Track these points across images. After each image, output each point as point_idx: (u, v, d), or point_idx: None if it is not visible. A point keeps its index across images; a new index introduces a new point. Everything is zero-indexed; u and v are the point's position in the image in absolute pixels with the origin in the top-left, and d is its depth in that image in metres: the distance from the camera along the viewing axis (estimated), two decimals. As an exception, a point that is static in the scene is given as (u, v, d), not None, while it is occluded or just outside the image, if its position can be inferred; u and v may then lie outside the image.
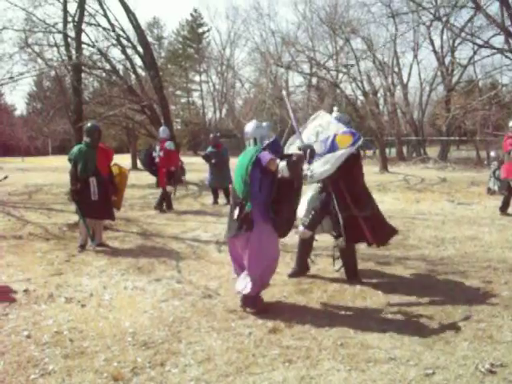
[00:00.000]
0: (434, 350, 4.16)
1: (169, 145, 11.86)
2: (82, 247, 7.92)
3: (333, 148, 5.80)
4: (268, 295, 5.55)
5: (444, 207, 12.47)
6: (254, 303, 5.13)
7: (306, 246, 6.32)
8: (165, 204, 12.02)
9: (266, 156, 4.98)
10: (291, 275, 6.29)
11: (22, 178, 21.41)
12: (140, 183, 18.10)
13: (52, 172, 24.56)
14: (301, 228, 6.18)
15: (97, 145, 8.08)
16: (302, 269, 6.33)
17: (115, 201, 8.48)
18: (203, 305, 5.36)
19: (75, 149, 8.06)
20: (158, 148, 11.94)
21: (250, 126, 5.44)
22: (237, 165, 5.29)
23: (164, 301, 5.50)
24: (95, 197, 7.83)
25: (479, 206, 12.60)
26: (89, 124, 8.43)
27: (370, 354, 4.09)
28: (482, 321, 4.81)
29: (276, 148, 5.29)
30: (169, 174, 11.86)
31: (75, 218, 9.38)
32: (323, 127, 6.01)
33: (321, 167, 5.70)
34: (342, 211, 5.88)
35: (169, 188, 11.89)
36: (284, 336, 4.49)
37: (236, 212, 5.07)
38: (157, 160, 11.87)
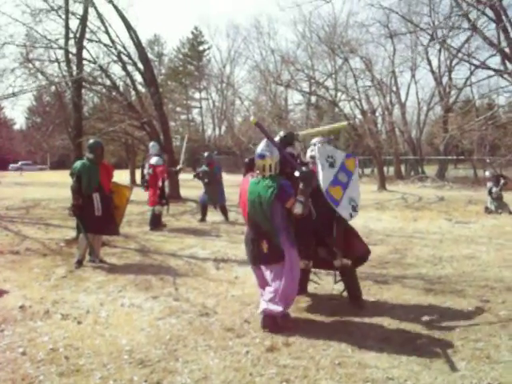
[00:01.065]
0: (431, 370, 4.13)
1: (157, 161, 11.68)
2: (79, 263, 7.89)
3: (349, 174, 5.94)
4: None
5: (442, 226, 12.48)
6: (275, 324, 5.10)
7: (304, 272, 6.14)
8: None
9: (286, 194, 4.99)
10: None
11: (19, 192, 21.41)
12: (138, 199, 18.05)
13: (50, 187, 24.53)
14: None
15: (100, 161, 8.11)
16: (300, 291, 6.21)
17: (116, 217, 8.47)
18: (200, 323, 5.33)
19: (78, 164, 8.06)
20: (147, 165, 11.89)
21: (262, 148, 5.22)
22: (251, 194, 5.17)
23: (161, 318, 5.47)
24: (99, 212, 7.85)
25: (477, 224, 12.61)
26: (91, 140, 8.45)
27: (367, 374, 4.07)
28: (479, 340, 4.79)
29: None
30: (159, 193, 11.73)
31: (73, 233, 9.37)
32: (333, 157, 5.89)
33: (358, 197, 5.91)
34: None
35: (157, 208, 11.79)
36: (281, 355, 4.46)
37: (265, 245, 5.08)
38: (147, 177, 11.83)
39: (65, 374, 4.09)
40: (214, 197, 13.06)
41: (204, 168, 13.34)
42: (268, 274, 5.21)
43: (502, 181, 15.07)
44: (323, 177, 5.61)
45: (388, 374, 4.07)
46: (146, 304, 5.99)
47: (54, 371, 4.14)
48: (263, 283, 5.36)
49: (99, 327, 5.21)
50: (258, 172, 5.25)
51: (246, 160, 5.91)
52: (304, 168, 5.20)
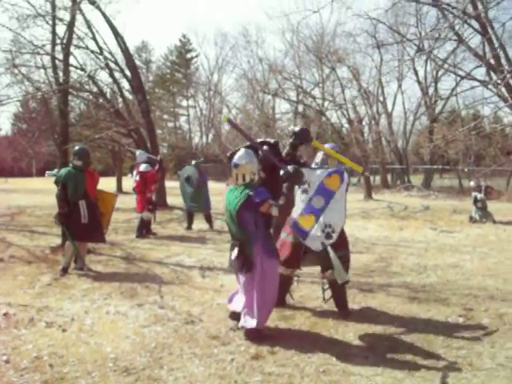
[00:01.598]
0: (414, 377, 4.17)
1: (145, 168, 11.74)
2: (65, 271, 7.85)
3: (328, 194, 5.66)
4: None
5: (427, 235, 12.57)
6: (258, 335, 5.07)
7: (284, 279, 6.03)
8: (145, 229, 11.94)
9: (262, 194, 4.95)
10: None
11: (4, 199, 21.26)
12: (124, 207, 18.01)
13: (35, 194, 24.38)
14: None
15: (87, 168, 8.09)
16: (278, 302, 5.99)
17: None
18: (186, 331, 5.33)
19: (63, 171, 8.03)
20: (134, 172, 11.92)
21: (238, 156, 5.18)
22: (226, 201, 5.20)
23: (146, 326, 5.46)
24: (85, 220, 7.81)
25: (461, 233, 12.72)
26: (78, 147, 8.40)
27: (351, 381, 4.10)
28: (462, 348, 4.84)
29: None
30: (147, 199, 11.79)
31: (58, 240, 9.33)
32: (307, 182, 5.64)
33: (338, 221, 5.68)
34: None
35: (146, 214, 11.79)
36: (266, 363, 4.48)
37: (235, 253, 5.07)
38: (134, 185, 11.85)
39: (49, 382, 4.08)
40: (200, 204, 13.05)
41: (188, 168, 13.37)
42: (241, 283, 5.22)
43: (484, 187, 15.24)
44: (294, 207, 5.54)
45: (372, 381, 4.10)
46: (132, 312, 5.97)
47: (38, 379, 4.13)
48: (238, 292, 5.43)
49: (84, 335, 5.19)
50: (231, 180, 5.29)
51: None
52: (289, 167, 5.10)
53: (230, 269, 5.38)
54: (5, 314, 5.75)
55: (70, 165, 8.14)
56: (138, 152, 12.78)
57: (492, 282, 7.58)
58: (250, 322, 5.06)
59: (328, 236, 5.63)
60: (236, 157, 5.20)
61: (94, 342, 5.00)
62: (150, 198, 11.91)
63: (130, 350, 4.76)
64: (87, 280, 7.52)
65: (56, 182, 7.96)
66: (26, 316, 5.74)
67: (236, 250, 5.07)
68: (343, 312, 5.92)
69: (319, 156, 6.17)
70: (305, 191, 5.65)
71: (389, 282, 7.59)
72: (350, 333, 5.32)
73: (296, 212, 5.57)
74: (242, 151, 5.24)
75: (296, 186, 5.59)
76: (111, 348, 4.81)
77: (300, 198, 5.65)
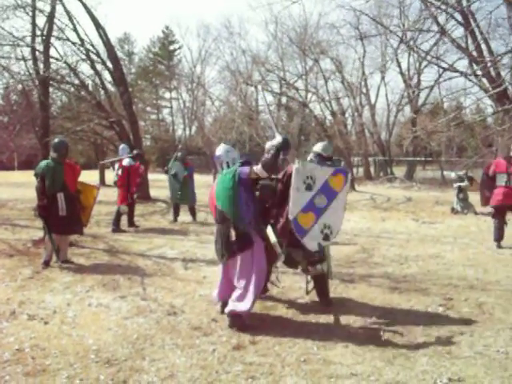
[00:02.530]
0: (394, 366, 4.23)
1: (128, 162, 11.74)
2: (47, 263, 7.83)
3: (332, 194, 5.66)
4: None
5: (409, 226, 12.68)
6: (243, 321, 5.14)
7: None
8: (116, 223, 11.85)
9: (245, 169, 5.16)
10: None
11: (-14, 192, 21.05)
12: (107, 200, 17.94)
13: (17, 187, 24.16)
14: None
15: (64, 160, 8.05)
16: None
17: (82, 217, 8.42)
18: (168, 322, 5.35)
19: (42, 164, 8.00)
20: (117, 166, 11.88)
21: (221, 150, 5.56)
22: (218, 188, 5.36)
23: (128, 318, 5.47)
24: (63, 212, 7.77)
25: (443, 224, 12.84)
26: (56, 139, 8.35)
27: (332, 370, 4.14)
28: (441, 337, 4.91)
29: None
30: (128, 193, 11.76)
31: (40, 234, 9.27)
32: (313, 178, 5.56)
33: (338, 222, 5.75)
34: None
35: (122, 208, 11.69)
36: (248, 353, 4.52)
37: (233, 233, 5.14)
38: (116, 179, 11.81)
39: (31, 374, 4.08)
40: (186, 196, 13.06)
41: (175, 164, 13.34)
42: (237, 267, 5.22)
43: (467, 176, 15.34)
44: (294, 201, 5.40)
45: (352, 370, 4.15)
46: (114, 304, 5.98)
47: (20, 371, 4.13)
48: (228, 283, 5.42)
49: (66, 327, 5.19)
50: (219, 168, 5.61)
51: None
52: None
53: (221, 255, 5.36)
54: (-14, 308, 5.73)
55: (50, 157, 8.09)
56: (120, 146, 12.74)
57: (472, 272, 7.68)
58: (240, 306, 5.10)
59: (326, 237, 5.63)
60: (218, 150, 5.61)
61: (76, 334, 5.00)
62: (134, 192, 11.89)
63: (112, 342, 4.77)
64: (69, 273, 7.50)
65: (35, 175, 7.93)
66: (7, 309, 5.73)
67: (232, 230, 5.14)
68: (325, 302, 5.98)
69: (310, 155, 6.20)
70: (309, 188, 5.52)
71: (370, 272, 7.66)
72: (330, 322, 5.38)
73: (295, 209, 5.44)
74: (221, 146, 5.72)
75: (300, 183, 5.49)
76: (93, 340, 4.82)
77: (302, 194, 5.50)
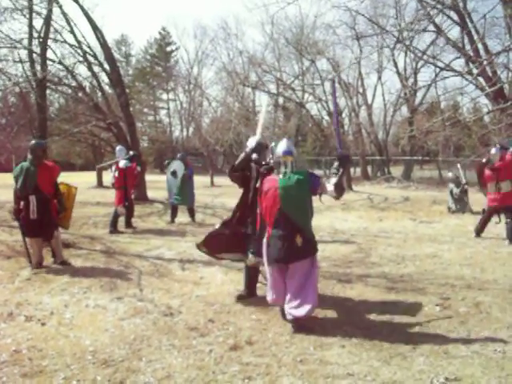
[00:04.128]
0: (391, 366, 4.24)
1: (124, 164, 11.72)
2: (39, 264, 7.83)
3: None
4: (231, 313, 5.62)
5: (406, 225, 12.69)
6: (307, 323, 5.18)
7: (253, 271, 6.25)
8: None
9: (317, 180, 5.26)
10: (239, 298, 6.15)
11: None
12: (105, 201, 17.94)
13: (15, 189, 24.14)
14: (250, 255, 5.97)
15: (39, 162, 7.90)
16: (250, 294, 6.24)
17: (63, 220, 8.36)
18: (165, 323, 5.35)
19: (18, 166, 7.97)
20: (113, 168, 11.89)
21: (287, 145, 5.37)
22: (284, 190, 5.17)
23: (125, 319, 5.47)
24: (34, 215, 7.69)
25: (440, 224, 12.86)
26: (33, 141, 8.23)
27: (328, 370, 4.15)
28: (438, 336, 4.92)
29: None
30: (125, 194, 11.74)
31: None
32: None
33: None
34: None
35: (119, 209, 11.72)
36: (244, 353, 4.52)
37: (299, 239, 5.10)
38: (113, 181, 11.83)
39: (28, 375, 4.08)
40: (185, 197, 13.05)
41: (175, 162, 13.37)
42: (296, 272, 5.18)
43: (464, 186, 15.28)
44: None
45: (348, 370, 4.15)
46: (111, 305, 5.98)
47: (18, 372, 4.13)
48: (280, 285, 5.33)
49: (63, 328, 5.20)
50: (282, 168, 5.31)
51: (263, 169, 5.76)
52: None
53: (285, 259, 5.20)
54: (-17, 309, 5.73)
55: (27, 160, 7.97)
56: (117, 148, 12.74)
57: (469, 271, 7.69)
58: (301, 310, 5.08)
59: None
60: (285, 146, 5.36)
61: (73, 335, 5.00)
62: (131, 193, 11.91)
63: (109, 343, 4.77)
64: (67, 274, 7.49)
65: (14, 177, 7.91)
66: (4, 310, 5.73)
67: (299, 236, 5.11)
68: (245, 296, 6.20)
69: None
70: None
71: (367, 272, 7.67)
72: (327, 323, 5.38)
73: None
74: (286, 141, 5.46)
75: None
76: (90, 341, 4.82)
77: None
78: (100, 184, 27.07)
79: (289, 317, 5.16)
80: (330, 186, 5.15)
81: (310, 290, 5.13)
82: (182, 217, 13.38)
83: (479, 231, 10.63)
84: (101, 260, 8.57)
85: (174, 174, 13.10)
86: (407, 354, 4.48)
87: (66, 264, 8.03)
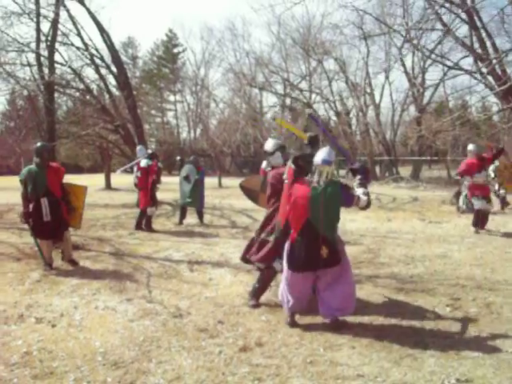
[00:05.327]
0: (401, 367, 4.22)
1: (145, 163, 11.75)
2: (49, 266, 7.87)
3: None
4: (240, 314, 5.62)
5: (415, 226, 12.64)
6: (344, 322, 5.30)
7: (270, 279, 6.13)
8: (144, 223, 11.95)
9: (352, 197, 5.27)
10: (255, 307, 5.96)
11: (-7, 197, 21.12)
12: (113, 203, 18.02)
13: (24, 192, 24.25)
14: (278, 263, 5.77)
15: (46, 164, 7.94)
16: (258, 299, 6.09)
17: (73, 220, 8.37)
18: (174, 324, 5.36)
19: (25, 170, 7.99)
20: (135, 168, 11.93)
21: (328, 154, 5.22)
22: (315, 200, 5.11)
23: (135, 320, 5.48)
24: (47, 218, 7.75)
25: (449, 224, 12.79)
26: (38, 144, 8.25)
27: (338, 371, 4.14)
28: (449, 337, 4.89)
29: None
30: (150, 195, 11.79)
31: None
32: None
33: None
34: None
35: (149, 210, 11.82)
36: (254, 354, 4.51)
37: (325, 250, 5.09)
38: (136, 181, 11.87)
39: (39, 377, 4.09)
40: (195, 200, 13.03)
41: (188, 166, 13.40)
42: (326, 278, 5.23)
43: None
44: None
45: (359, 371, 4.14)
46: (120, 306, 5.99)
47: (28, 374, 4.15)
48: (302, 292, 5.36)
49: (73, 330, 5.21)
50: (316, 176, 5.20)
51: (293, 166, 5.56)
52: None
53: (311, 266, 5.18)
54: (-6, 311, 5.76)
55: (33, 163, 8.00)
56: (138, 148, 12.78)
57: (480, 271, 7.64)
58: (347, 310, 5.28)
59: None
60: (325, 154, 5.21)
61: (83, 336, 5.01)
62: (153, 192, 11.94)
63: (119, 344, 4.78)
64: (76, 276, 7.52)
65: (20, 181, 7.93)
66: (15, 312, 5.75)
67: (325, 248, 5.09)
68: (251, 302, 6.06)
69: None
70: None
71: (376, 273, 7.64)
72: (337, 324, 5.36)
73: None
74: (327, 149, 5.29)
75: None
76: (100, 342, 4.83)
77: None
78: (108, 186, 27.16)
79: (328, 317, 5.24)
80: (363, 197, 5.21)
81: (346, 290, 5.23)
82: (190, 218, 13.38)
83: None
84: (110, 262, 8.59)
85: (186, 178, 13.10)
86: (418, 355, 4.46)
87: (74, 262, 8.07)
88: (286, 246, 5.32)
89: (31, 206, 7.79)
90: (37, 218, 7.74)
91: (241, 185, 6.77)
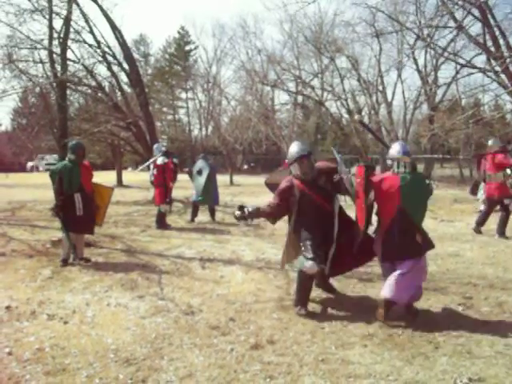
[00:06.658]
0: (413, 365, 4.20)
1: (162, 160, 11.76)
2: (65, 262, 7.97)
3: None
4: (251, 311, 5.62)
5: (427, 224, 12.36)
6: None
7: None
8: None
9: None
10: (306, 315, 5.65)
11: (5, 194, 21.27)
12: (125, 200, 18.08)
13: (36, 188, 24.38)
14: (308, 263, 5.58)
15: (81, 161, 8.19)
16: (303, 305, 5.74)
17: (96, 217, 8.49)
18: (186, 321, 5.36)
19: (59, 165, 8.21)
20: (152, 166, 11.97)
21: (404, 146, 5.65)
22: (409, 188, 5.38)
23: (147, 317, 5.50)
24: (80, 212, 7.95)
25: (462, 223, 12.72)
26: (74, 141, 8.52)
27: (350, 370, 4.13)
28: (461, 336, 4.86)
29: None
30: (166, 192, 11.83)
31: (59, 234, 9.34)
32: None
33: None
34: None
35: (163, 207, 11.86)
36: (266, 352, 4.51)
37: (420, 237, 5.38)
38: (152, 179, 11.91)
39: (51, 373, 4.11)
40: (209, 196, 13.03)
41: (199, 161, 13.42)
42: (407, 266, 5.34)
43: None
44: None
45: (370, 369, 4.13)
46: (132, 303, 6.01)
47: (41, 370, 4.17)
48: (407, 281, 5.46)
49: (85, 327, 5.23)
50: (401, 167, 5.50)
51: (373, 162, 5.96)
52: None
53: (403, 255, 5.38)
54: (7, 307, 5.79)
55: (67, 159, 8.24)
56: (155, 146, 12.79)
57: (492, 270, 7.60)
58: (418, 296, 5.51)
59: None
60: (401, 146, 5.61)
61: (95, 333, 5.04)
62: (171, 189, 12.00)
63: (131, 341, 4.80)
64: (88, 273, 7.55)
65: (51, 176, 8.08)
66: (27, 309, 5.78)
67: (419, 234, 5.37)
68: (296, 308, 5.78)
69: None
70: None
71: (388, 271, 7.60)
72: (349, 322, 5.34)
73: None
74: (400, 143, 5.80)
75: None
76: (112, 339, 4.85)
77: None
78: (120, 183, 27.28)
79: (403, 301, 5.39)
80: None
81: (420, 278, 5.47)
82: (202, 216, 13.39)
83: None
84: (121, 259, 8.62)
85: (199, 172, 13.13)
86: (430, 354, 4.44)
87: (86, 260, 8.15)
88: (378, 239, 5.60)
89: (63, 200, 7.94)
90: (69, 211, 7.91)
91: (266, 182, 6.76)
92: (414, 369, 4.14)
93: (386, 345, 4.66)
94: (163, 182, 11.73)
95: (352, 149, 30.99)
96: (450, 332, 4.99)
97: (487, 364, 4.23)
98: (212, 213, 13.26)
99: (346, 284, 6.71)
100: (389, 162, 5.68)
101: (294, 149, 5.93)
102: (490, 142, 11.30)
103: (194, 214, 13.20)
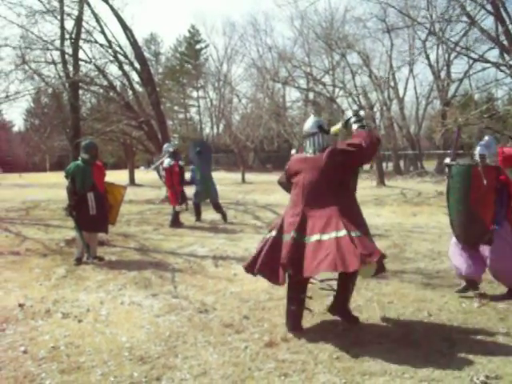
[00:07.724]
0: (429, 363, 4.16)
1: (168, 162, 11.70)
2: (79, 260, 8.05)
3: None
4: (265, 309, 5.62)
5: (441, 220, 12.47)
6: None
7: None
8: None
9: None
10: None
11: (19, 193, 21.45)
12: (137, 199, 18.15)
13: (49, 188, 24.55)
14: None
15: (94, 161, 8.26)
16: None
17: (109, 216, 8.56)
18: (199, 319, 5.36)
19: (72, 165, 8.25)
20: (161, 167, 11.96)
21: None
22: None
23: (160, 316, 5.50)
24: (93, 211, 8.03)
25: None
26: (86, 141, 8.59)
27: (365, 367, 4.10)
28: (477, 333, 4.82)
29: None
30: (178, 192, 11.84)
31: (72, 233, 9.40)
32: None
33: None
34: None
35: (178, 207, 11.88)
36: (280, 350, 4.49)
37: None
38: (163, 180, 11.92)
39: (66, 372, 4.12)
40: (208, 191, 12.88)
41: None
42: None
43: None
44: None
45: (386, 367, 4.09)
46: (146, 302, 6.02)
47: (56, 368, 4.18)
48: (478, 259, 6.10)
49: (99, 325, 5.24)
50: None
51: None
52: None
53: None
54: (22, 306, 5.83)
55: (80, 158, 8.30)
56: (164, 146, 12.62)
57: (507, 266, 7.52)
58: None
59: None
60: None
61: (109, 331, 5.05)
62: (180, 190, 12.00)
63: (145, 339, 4.80)
64: (102, 271, 7.59)
65: (66, 176, 8.16)
66: (42, 307, 5.82)
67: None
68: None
69: None
70: None
71: (402, 268, 7.57)
72: (363, 319, 5.31)
73: None
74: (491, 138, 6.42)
75: None
76: (126, 337, 4.86)
77: None
78: (132, 182, 27.38)
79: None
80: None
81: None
82: (213, 214, 13.34)
83: None
84: (135, 257, 8.66)
85: (199, 153, 12.94)
86: (445, 352, 4.40)
87: (99, 258, 8.24)
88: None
89: (76, 199, 8.04)
90: (82, 211, 7.99)
91: (279, 181, 6.71)
92: (430, 366, 4.10)
93: (400, 342, 4.62)
94: (173, 183, 11.73)
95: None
96: (466, 329, 4.95)
97: (504, 362, 4.17)
98: (217, 209, 12.97)
99: (361, 281, 6.65)
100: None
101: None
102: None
103: (198, 213, 13.04)
